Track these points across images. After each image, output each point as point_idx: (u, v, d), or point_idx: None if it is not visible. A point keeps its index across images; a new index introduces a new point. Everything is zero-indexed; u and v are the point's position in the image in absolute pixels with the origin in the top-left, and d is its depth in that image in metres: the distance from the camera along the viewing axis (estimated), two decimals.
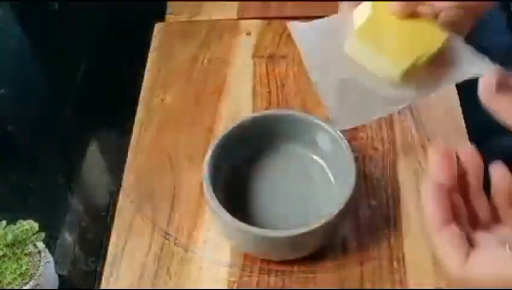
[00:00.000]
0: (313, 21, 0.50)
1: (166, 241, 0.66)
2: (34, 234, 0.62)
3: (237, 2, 0.91)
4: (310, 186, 0.64)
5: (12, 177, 0.78)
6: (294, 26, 0.49)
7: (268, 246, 0.58)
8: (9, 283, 0.60)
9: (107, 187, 0.76)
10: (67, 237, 0.72)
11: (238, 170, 0.65)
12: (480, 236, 0.40)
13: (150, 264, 0.64)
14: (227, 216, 0.56)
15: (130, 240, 0.66)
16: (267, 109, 0.75)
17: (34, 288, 0.61)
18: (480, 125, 0.76)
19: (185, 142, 0.75)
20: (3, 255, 0.60)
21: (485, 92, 0.44)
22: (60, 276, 0.67)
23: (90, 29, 0.97)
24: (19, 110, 0.88)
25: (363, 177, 0.68)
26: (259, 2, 0.91)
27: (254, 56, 0.83)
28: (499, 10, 0.91)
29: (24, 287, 0.61)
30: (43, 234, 0.63)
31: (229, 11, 0.90)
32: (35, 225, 0.63)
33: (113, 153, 0.79)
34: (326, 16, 0.56)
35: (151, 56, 0.85)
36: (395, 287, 0.60)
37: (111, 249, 0.66)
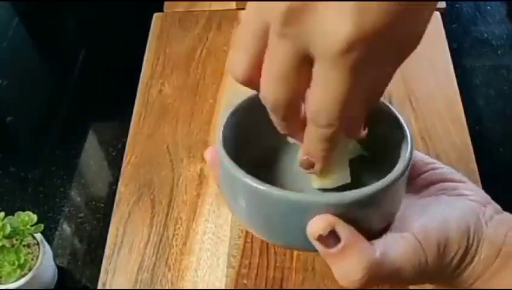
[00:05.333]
0: None
1: (165, 232, 0.66)
2: (32, 226, 0.62)
3: None
4: None
5: (11, 168, 0.78)
6: None
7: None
8: (8, 274, 0.60)
9: (105, 178, 0.76)
10: (66, 229, 0.72)
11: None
12: None
13: (149, 255, 0.64)
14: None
15: (129, 231, 0.66)
16: None
17: (32, 279, 0.61)
18: (480, 117, 0.76)
19: (184, 133, 0.74)
20: (2, 247, 0.60)
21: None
22: (58, 267, 0.68)
23: (89, 21, 0.97)
24: (17, 101, 0.87)
25: None
26: None
27: None
28: (499, 1, 0.91)
29: (23, 279, 0.61)
30: (41, 226, 0.63)
31: (228, 1, 0.90)
32: (34, 217, 0.62)
33: (111, 144, 0.79)
34: None
35: (150, 47, 0.84)
36: None
37: (110, 240, 0.66)
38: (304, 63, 0.31)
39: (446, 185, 0.41)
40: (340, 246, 0.32)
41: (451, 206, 0.38)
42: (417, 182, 0.41)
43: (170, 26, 0.87)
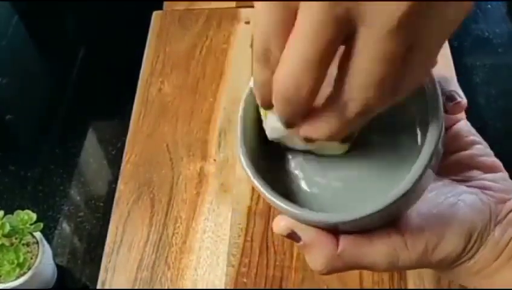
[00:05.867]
0: None
1: (165, 231, 0.66)
2: (32, 224, 0.62)
3: None
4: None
5: (10, 167, 0.78)
6: None
7: None
8: (8, 273, 0.60)
9: (105, 177, 0.76)
10: (66, 227, 0.71)
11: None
12: None
13: (149, 254, 0.64)
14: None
15: (128, 230, 0.66)
16: None
17: (32, 278, 0.61)
18: (480, 116, 0.76)
19: (183, 131, 0.74)
20: (1, 245, 0.60)
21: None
22: (58, 266, 0.67)
23: (88, 19, 0.97)
24: (17, 99, 0.87)
25: None
26: None
27: (253, 45, 0.83)
28: (499, 0, 0.90)
29: (22, 277, 0.60)
30: (41, 224, 0.63)
31: (228, 0, 0.90)
32: (34, 215, 0.62)
33: (111, 142, 0.79)
34: None
35: (149, 45, 0.84)
36: (394, 278, 0.60)
37: (109, 239, 0.66)
38: (341, 33, 0.26)
39: (473, 173, 0.39)
40: (300, 244, 0.36)
41: (464, 204, 0.36)
42: (450, 160, 0.40)
43: (170, 25, 0.87)
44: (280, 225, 0.36)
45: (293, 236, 0.36)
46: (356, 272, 0.61)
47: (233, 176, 0.69)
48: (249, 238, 0.64)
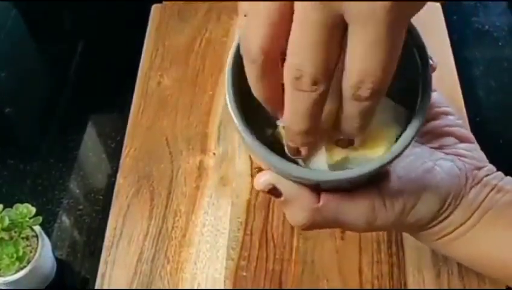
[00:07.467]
0: None
1: (164, 224, 0.66)
2: (31, 218, 0.62)
3: None
4: None
5: (9, 160, 0.78)
6: None
7: None
8: (7, 267, 0.60)
9: (104, 170, 0.76)
10: (65, 221, 0.71)
11: None
12: None
13: (148, 247, 0.64)
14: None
15: (128, 223, 0.66)
16: None
17: (31, 272, 0.61)
18: (480, 109, 0.76)
19: (183, 125, 0.74)
20: (1, 239, 0.60)
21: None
22: (57, 259, 0.67)
23: (87, 12, 0.96)
24: (16, 93, 0.87)
25: None
26: None
27: None
28: None
29: (22, 271, 0.60)
30: (40, 218, 0.63)
31: None
32: (33, 209, 0.62)
33: (110, 136, 0.79)
34: None
35: (148, 38, 0.84)
36: (393, 272, 0.60)
37: (109, 232, 0.66)
38: (338, 31, 0.27)
39: (448, 141, 0.41)
40: (282, 199, 0.36)
41: (440, 169, 0.38)
42: (423, 129, 0.41)
43: (169, 18, 0.86)
44: (261, 180, 0.36)
45: (273, 192, 0.36)
46: (356, 265, 0.61)
47: (233, 169, 0.69)
48: (248, 232, 0.64)
